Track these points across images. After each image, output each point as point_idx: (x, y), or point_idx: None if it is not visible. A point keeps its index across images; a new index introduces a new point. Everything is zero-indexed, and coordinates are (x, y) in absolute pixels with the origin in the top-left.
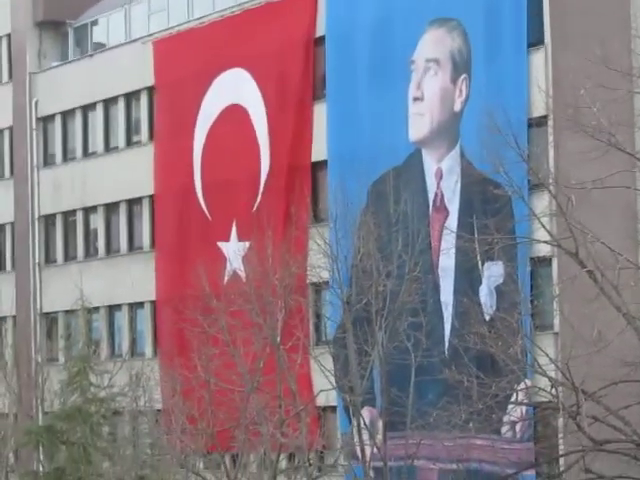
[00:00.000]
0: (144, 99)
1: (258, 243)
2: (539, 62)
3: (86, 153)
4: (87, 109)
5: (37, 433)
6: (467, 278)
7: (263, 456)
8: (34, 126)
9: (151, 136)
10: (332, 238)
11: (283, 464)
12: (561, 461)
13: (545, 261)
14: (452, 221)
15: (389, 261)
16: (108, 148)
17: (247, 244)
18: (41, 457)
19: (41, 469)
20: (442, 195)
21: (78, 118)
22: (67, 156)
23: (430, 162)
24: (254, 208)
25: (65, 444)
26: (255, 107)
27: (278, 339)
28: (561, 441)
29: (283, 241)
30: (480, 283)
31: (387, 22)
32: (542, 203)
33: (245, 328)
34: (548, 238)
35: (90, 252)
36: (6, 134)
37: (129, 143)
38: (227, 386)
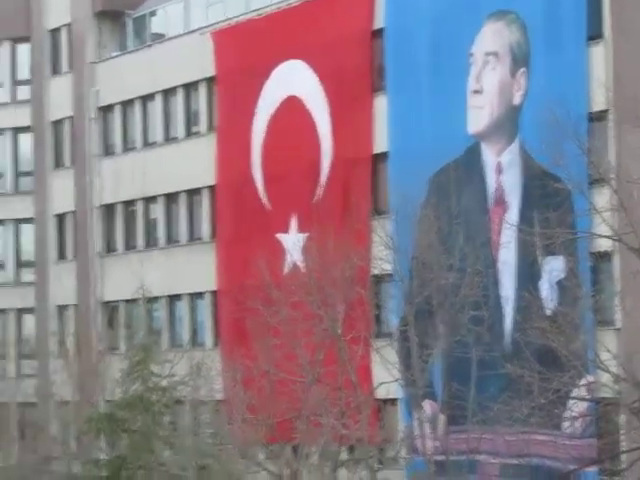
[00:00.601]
0: (203, 90)
1: (318, 235)
2: (599, 56)
3: (146, 143)
4: (146, 99)
5: (98, 421)
6: (528, 272)
7: (324, 448)
8: (94, 116)
9: (210, 127)
10: (393, 230)
11: (344, 456)
12: (623, 457)
13: (606, 256)
14: (512, 215)
15: (450, 254)
16: (168, 138)
17: (306, 236)
18: (103, 445)
19: (102, 457)
20: (502, 189)
21: (137, 108)
22: (127, 146)
23: (489, 155)
24: (314, 200)
25: (126, 432)
26: (314, 99)
27: (339, 330)
28: (623, 437)
29: (343, 233)
30: (540, 277)
31: (446, 15)
32: (603, 198)
33: (306, 319)
34: (609, 233)
35: (150, 242)
36: (66, 124)
37: (188, 134)
38: (288, 377)
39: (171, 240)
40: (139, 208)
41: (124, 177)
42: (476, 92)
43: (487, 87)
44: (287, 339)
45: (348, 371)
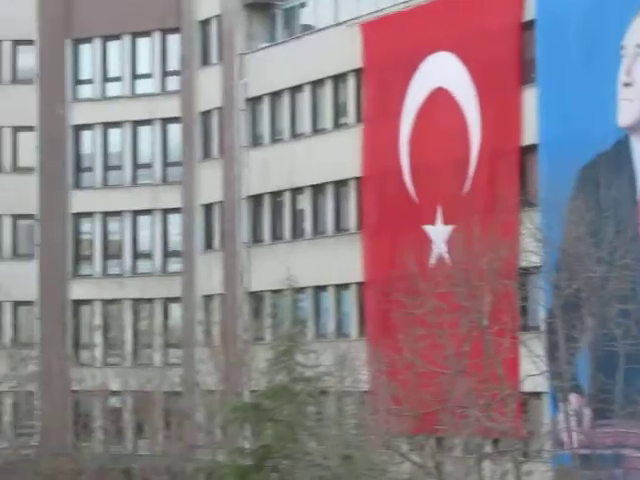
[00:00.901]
0: (351, 81)
1: (465, 227)
2: None
3: (293, 134)
4: (295, 91)
5: (244, 411)
6: None
7: (468, 440)
8: (243, 107)
9: (358, 118)
10: (542, 223)
11: (488, 448)
12: None
13: None
14: None
15: (599, 247)
16: (315, 130)
17: (452, 228)
18: (248, 434)
19: (247, 446)
20: None
21: (286, 99)
22: (275, 137)
23: (639, 148)
24: (462, 192)
25: (271, 422)
26: (463, 91)
27: (485, 322)
28: None
29: (491, 225)
30: None
31: (598, 7)
32: None
33: (452, 311)
34: None
35: (297, 233)
36: (215, 115)
37: (336, 125)
38: (433, 368)
39: (318, 231)
40: (286, 199)
41: (271, 168)
42: (627, 85)
43: (638, 80)
44: (433, 330)
45: (494, 363)
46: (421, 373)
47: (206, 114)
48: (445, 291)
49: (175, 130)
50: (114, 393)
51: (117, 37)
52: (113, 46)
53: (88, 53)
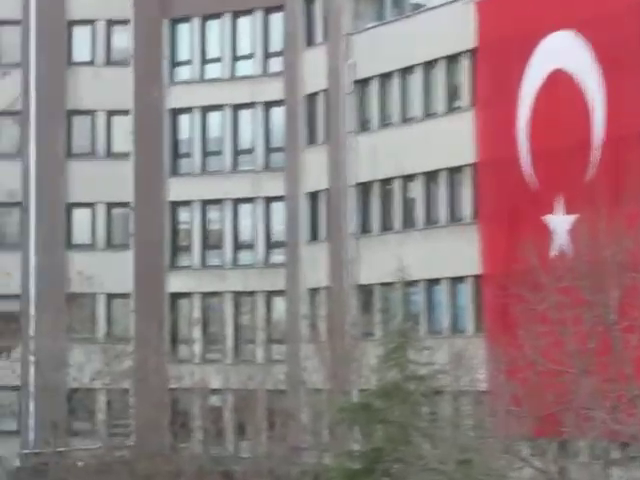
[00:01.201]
0: (465, 62)
1: (589, 217)
2: None
3: (404, 118)
4: (405, 72)
5: (352, 411)
6: None
7: (594, 444)
8: (350, 90)
9: (472, 102)
10: None
11: (616, 453)
12: None
13: None
14: None
15: None
16: (427, 114)
17: (574, 218)
18: (357, 436)
19: (357, 448)
20: None
21: (395, 82)
22: (384, 121)
23: None
24: (584, 180)
25: (382, 423)
26: (584, 73)
27: (613, 318)
28: None
29: (616, 215)
30: None
31: None
32: None
33: (575, 306)
34: None
35: (408, 223)
36: (320, 98)
37: (449, 109)
38: (556, 367)
39: (430, 221)
40: (396, 187)
41: (380, 154)
42: None
43: None
44: (555, 327)
45: (622, 362)
46: (543, 372)
47: (311, 97)
48: (568, 285)
49: (278, 114)
50: (214, 391)
51: (217, 16)
52: (213, 25)
53: (186, 33)
